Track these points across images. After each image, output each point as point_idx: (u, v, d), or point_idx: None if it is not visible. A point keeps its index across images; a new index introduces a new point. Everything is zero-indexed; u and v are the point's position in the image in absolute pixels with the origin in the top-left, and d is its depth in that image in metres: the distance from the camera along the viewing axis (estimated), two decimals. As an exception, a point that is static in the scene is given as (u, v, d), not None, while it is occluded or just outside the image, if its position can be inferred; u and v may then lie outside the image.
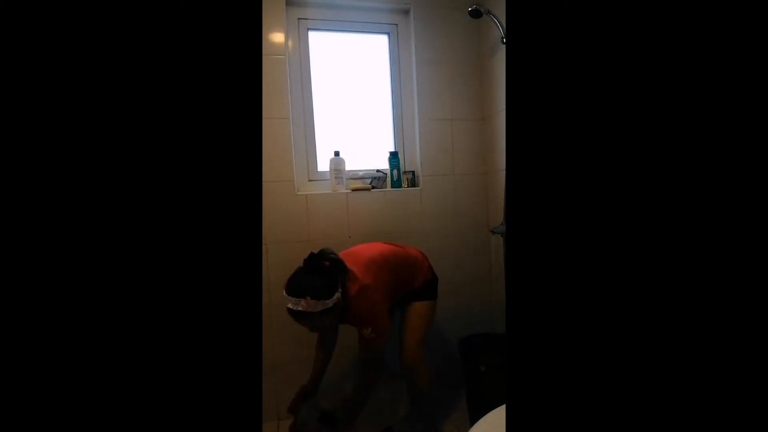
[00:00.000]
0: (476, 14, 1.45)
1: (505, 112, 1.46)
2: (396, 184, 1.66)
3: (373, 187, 1.64)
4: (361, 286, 1.14)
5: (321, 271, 1.08)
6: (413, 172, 1.71)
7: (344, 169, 1.58)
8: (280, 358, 1.52)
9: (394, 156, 1.66)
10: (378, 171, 1.69)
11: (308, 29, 1.62)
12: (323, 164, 1.65)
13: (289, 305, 1.05)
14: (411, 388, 1.33)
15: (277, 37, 1.50)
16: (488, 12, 1.44)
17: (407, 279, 1.29)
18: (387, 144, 1.74)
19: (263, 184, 1.46)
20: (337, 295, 1.08)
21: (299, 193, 1.54)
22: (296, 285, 1.06)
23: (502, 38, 1.46)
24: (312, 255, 1.10)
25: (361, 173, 1.68)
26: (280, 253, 1.50)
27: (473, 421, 0.88)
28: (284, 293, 1.06)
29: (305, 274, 1.08)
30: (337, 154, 1.58)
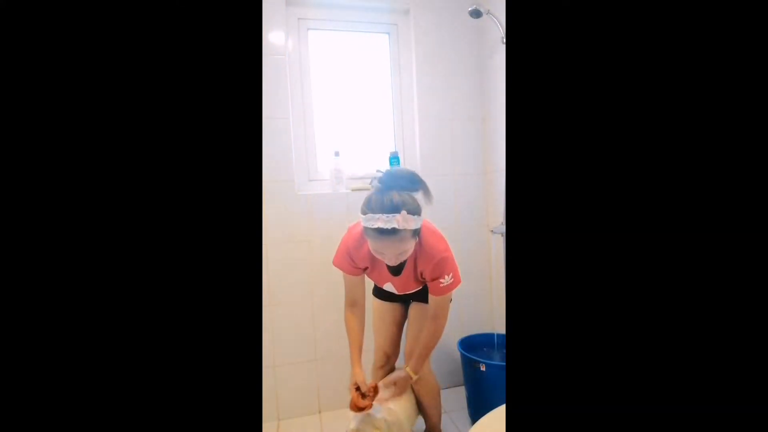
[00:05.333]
0: (476, 14, 1.45)
1: (505, 112, 1.45)
2: (396, 184, 1.65)
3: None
4: (432, 229, 1.06)
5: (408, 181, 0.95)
6: (413, 172, 1.71)
7: (344, 169, 1.58)
8: (280, 358, 1.52)
9: (394, 156, 1.66)
10: (378, 171, 1.68)
11: (308, 29, 1.62)
12: (323, 164, 1.65)
13: (379, 223, 0.89)
14: (417, 397, 1.23)
15: (277, 37, 1.50)
16: (488, 12, 1.44)
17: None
18: (387, 144, 1.74)
19: (263, 184, 1.46)
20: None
21: (299, 193, 1.54)
22: (384, 201, 0.90)
23: (502, 38, 1.46)
24: (387, 172, 0.98)
25: (361, 173, 1.68)
26: (280, 253, 1.50)
27: (473, 421, 0.87)
28: (362, 213, 0.93)
29: (390, 189, 0.93)
30: (337, 154, 1.58)
